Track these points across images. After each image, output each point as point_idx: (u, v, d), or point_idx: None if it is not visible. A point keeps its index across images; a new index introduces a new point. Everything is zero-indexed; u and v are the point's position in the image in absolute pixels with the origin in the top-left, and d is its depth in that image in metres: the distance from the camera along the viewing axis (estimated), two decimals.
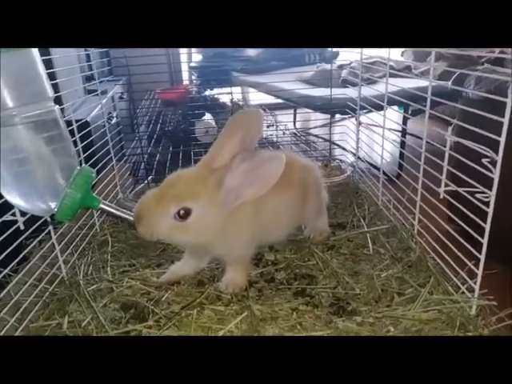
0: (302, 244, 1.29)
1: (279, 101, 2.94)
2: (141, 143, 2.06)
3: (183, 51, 3.79)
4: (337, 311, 0.99)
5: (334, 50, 3.60)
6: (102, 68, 2.74)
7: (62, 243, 1.21)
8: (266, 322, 0.95)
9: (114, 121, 2.23)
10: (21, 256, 1.04)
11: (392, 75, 1.62)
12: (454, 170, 1.06)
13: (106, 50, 3.25)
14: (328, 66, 2.33)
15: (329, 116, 2.30)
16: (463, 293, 1.00)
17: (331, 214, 1.48)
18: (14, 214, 0.97)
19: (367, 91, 1.76)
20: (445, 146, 1.06)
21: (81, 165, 1.35)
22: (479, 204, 0.90)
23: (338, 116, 2.84)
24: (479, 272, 0.93)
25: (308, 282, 1.11)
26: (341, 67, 2.87)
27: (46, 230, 1.13)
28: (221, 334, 0.91)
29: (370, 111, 1.72)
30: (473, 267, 0.95)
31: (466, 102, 1.55)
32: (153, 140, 2.41)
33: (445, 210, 1.13)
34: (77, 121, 1.36)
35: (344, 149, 2.25)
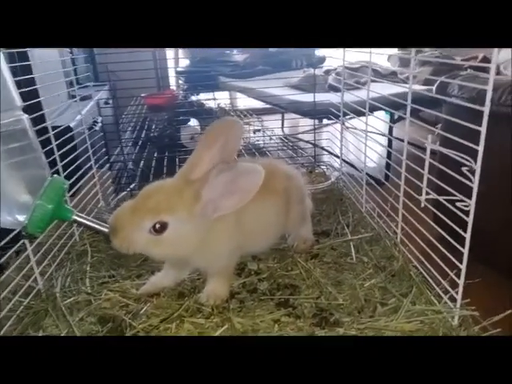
0: (286, 253, 1.27)
1: (267, 106, 2.94)
2: (123, 150, 2.03)
3: (170, 56, 3.78)
4: (319, 322, 0.97)
5: (321, 55, 3.62)
6: (86, 73, 2.71)
7: (39, 254, 1.17)
8: (246, 334, 0.93)
9: (97, 126, 2.20)
10: None
11: (376, 81, 1.61)
12: (434, 179, 1.05)
13: (91, 54, 3.23)
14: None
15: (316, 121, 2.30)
16: (446, 303, 0.99)
17: (315, 222, 1.46)
18: None
19: (351, 97, 1.76)
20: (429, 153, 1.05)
21: (58, 172, 1.33)
22: (459, 213, 0.89)
23: (325, 121, 2.84)
24: (460, 282, 0.92)
25: (291, 292, 1.09)
26: (327, 72, 2.88)
27: (22, 241, 1.10)
28: None
29: (353, 117, 1.71)
30: (454, 277, 0.94)
31: (450, 107, 1.54)
32: (137, 146, 2.38)
33: (426, 218, 1.12)
34: (58, 126, 1.33)
35: (330, 153, 2.24)
